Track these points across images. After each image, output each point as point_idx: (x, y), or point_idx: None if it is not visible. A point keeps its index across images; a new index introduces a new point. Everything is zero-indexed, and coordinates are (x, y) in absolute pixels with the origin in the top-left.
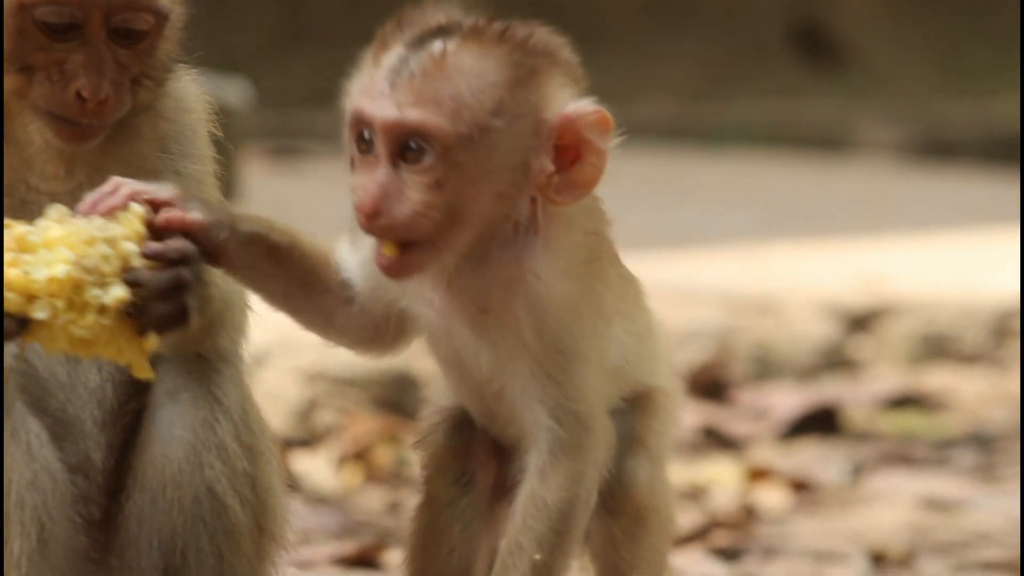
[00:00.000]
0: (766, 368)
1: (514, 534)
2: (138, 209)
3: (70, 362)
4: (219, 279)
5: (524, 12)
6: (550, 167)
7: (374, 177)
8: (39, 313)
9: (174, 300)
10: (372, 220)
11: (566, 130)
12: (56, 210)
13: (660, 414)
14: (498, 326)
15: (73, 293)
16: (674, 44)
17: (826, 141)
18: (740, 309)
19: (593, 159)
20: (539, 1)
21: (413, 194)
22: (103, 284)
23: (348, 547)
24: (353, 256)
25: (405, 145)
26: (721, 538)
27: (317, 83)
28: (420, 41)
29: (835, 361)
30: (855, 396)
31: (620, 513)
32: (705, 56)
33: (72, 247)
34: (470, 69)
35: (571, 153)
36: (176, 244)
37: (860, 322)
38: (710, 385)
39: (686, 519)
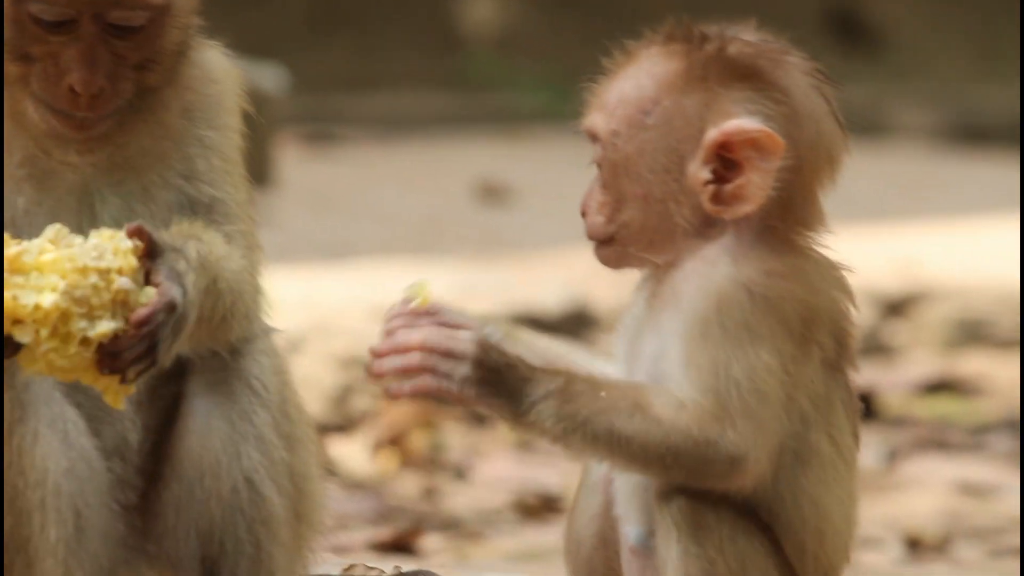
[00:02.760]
0: None
1: None
2: (129, 244)
3: None
4: (227, 270)
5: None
6: (706, 175)
7: (591, 183)
8: (23, 338)
9: (147, 357)
10: (584, 220)
11: (727, 143)
12: (54, 230)
13: None
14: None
15: (59, 323)
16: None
17: (861, 125)
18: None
19: (753, 176)
20: None
21: (596, 194)
22: (90, 316)
23: (384, 533)
24: None
25: (593, 143)
26: None
27: (352, 68)
28: (626, 48)
29: (871, 346)
30: (891, 381)
31: None
32: None
33: (64, 275)
34: (641, 70)
35: (735, 167)
36: (161, 307)
37: (896, 307)
38: None
39: None
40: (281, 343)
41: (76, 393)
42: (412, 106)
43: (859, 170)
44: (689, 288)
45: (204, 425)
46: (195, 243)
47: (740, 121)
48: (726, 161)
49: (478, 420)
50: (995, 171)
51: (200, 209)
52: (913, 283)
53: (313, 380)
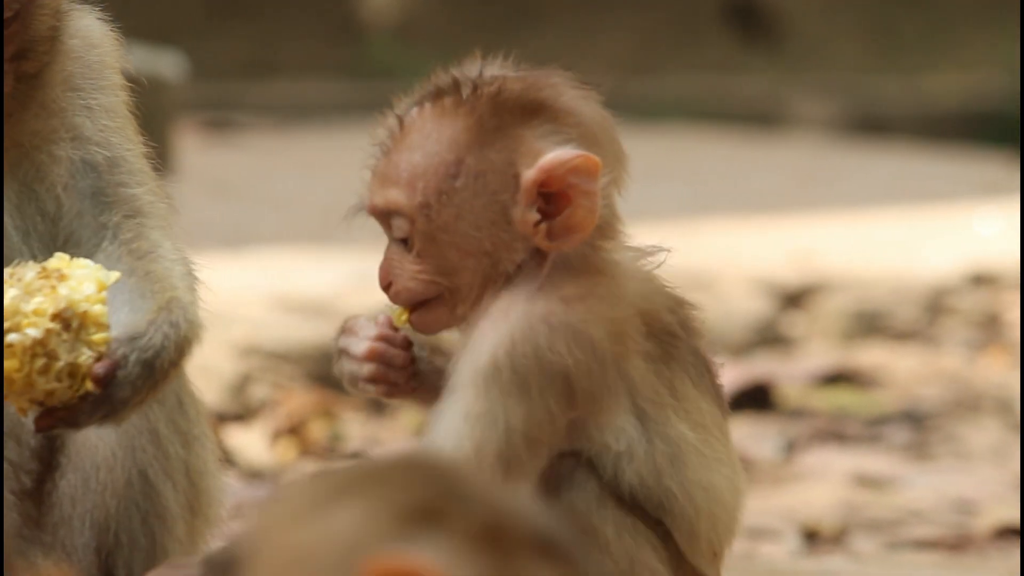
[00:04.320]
0: None
1: None
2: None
3: None
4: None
5: None
6: (534, 216)
7: (386, 253)
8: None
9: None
10: (387, 291)
11: (547, 180)
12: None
13: None
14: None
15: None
16: (609, 16)
17: (759, 116)
18: (673, 285)
19: (582, 201)
20: None
21: (408, 265)
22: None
23: None
24: None
25: (389, 225)
26: None
27: (252, 55)
28: (394, 118)
29: (768, 337)
30: (788, 372)
31: None
32: (638, 29)
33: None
34: (426, 137)
35: (561, 199)
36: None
37: (793, 298)
38: None
39: None
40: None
41: None
42: (312, 93)
43: (756, 162)
44: (484, 338)
45: None
46: (169, 319)
47: (554, 154)
48: (547, 196)
49: (377, 410)
50: (892, 162)
51: (102, 171)
52: (811, 275)
53: (212, 369)
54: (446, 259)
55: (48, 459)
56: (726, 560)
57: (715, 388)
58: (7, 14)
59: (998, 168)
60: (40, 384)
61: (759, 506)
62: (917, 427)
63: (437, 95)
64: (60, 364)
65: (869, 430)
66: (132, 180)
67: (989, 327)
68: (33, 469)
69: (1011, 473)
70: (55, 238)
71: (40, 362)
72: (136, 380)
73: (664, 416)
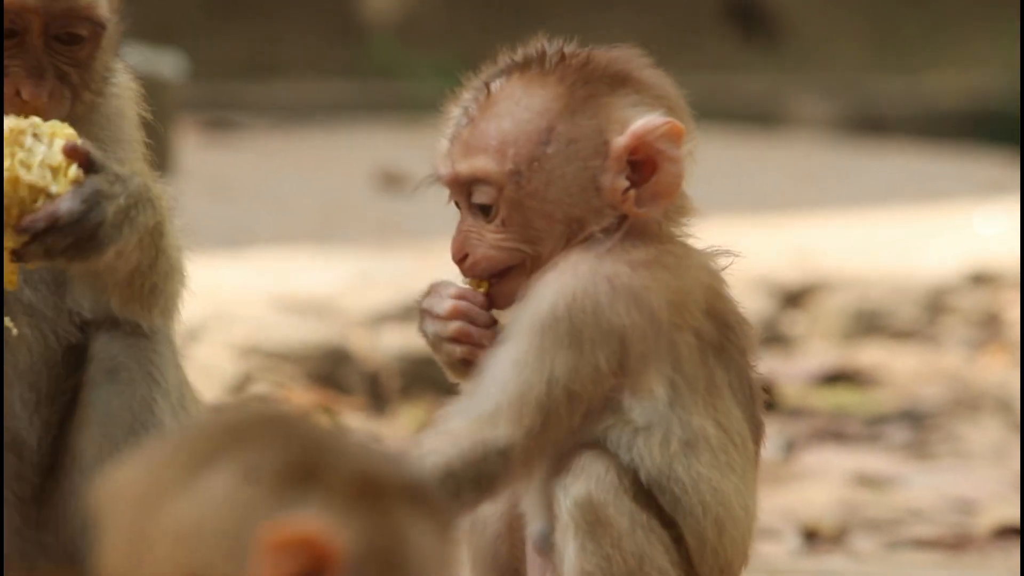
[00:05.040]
0: None
1: None
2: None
3: None
4: (171, 246)
5: None
6: (623, 183)
7: (459, 226)
8: None
9: (85, 233)
10: (461, 264)
11: (637, 146)
12: (8, 128)
13: None
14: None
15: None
16: (606, 16)
17: (759, 115)
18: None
19: (670, 167)
20: None
21: (488, 234)
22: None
23: None
24: None
25: (470, 193)
26: None
27: (252, 55)
28: (486, 82)
29: (768, 336)
30: (788, 372)
31: None
32: (637, 28)
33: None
34: (516, 105)
35: (648, 166)
36: (42, 217)
37: (793, 298)
38: None
39: None
40: (179, 332)
41: None
42: (312, 93)
43: (757, 160)
44: (547, 288)
45: (105, 415)
46: (145, 182)
47: (644, 120)
48: (635, 164)
49: (377, 409)
50: (892, 162)
51: None
52: (811, 274)
53: (213, 369)
54: (532, 226)
55: (50, 465)
56: None
57: (752, 407)
58: (83, 34)
59: (999, 167)
60: (24, 178)
61: (766, 506)
62: (917, 426)
63: (524, 65)
64: (38, 157)
65: (869, 429)
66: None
67: (989, 326)
68: (34, 480)
69: (1011, 472)
70: None
71: (20, 154)
72: (114, 203)
73: (693, 402)
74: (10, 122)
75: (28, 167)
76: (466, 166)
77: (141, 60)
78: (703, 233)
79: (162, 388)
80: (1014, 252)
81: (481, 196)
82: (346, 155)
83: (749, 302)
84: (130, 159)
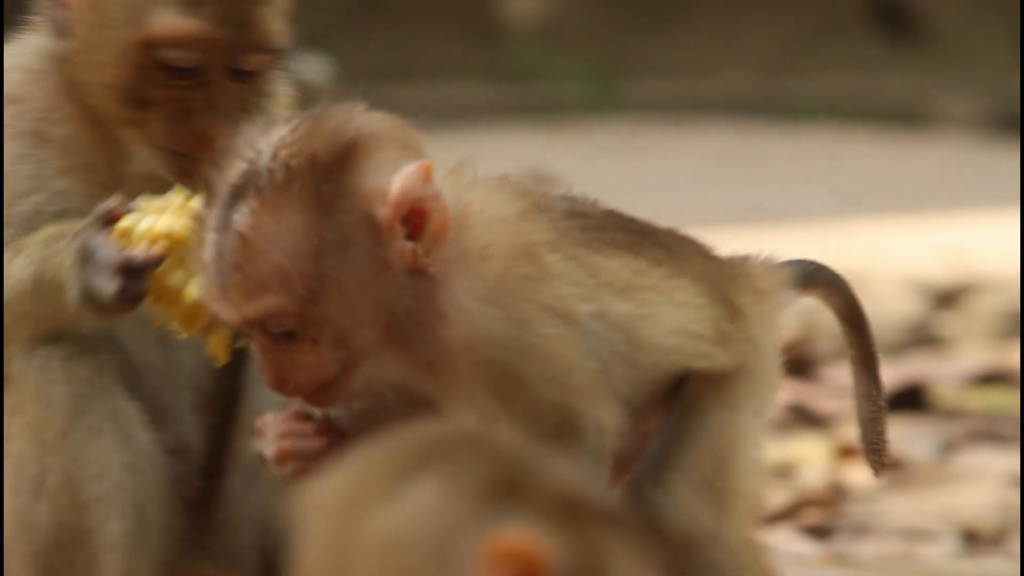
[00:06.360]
0: None
1: None
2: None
3: (164, 347)
4: None
5: None
6: (407, 246)
7: (264, 355)
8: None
9: None
10: (284, 389)
11: (400, 207)
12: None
13: (719, 409)
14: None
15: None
16: (753, 17)
17: (905, 115)
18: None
19: (436, 206)
20: None
21: (301, 356)
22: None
23: None
24: None
25: (265, 326)
26: (811, 516)
27: (396, 58)
28: (224, 222)
29: (921, 338)
30: (942, 373)
31: (661, 539)
32: (784, 30)
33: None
34: (275, 235)
35: (418, 217)
36: None
37: (945, 298)
38: (797, 362)
39: (776, 497)
40: None
41: (134, 397)
42: (456, 96)
43: (903, 161)
44: (465, 336)
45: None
46: None
47: (395, 182)
48: (406, 221)
49: None
50: None
51: None
52: (962, 274)
53: None
54: (343, 333)
55: (212, 470)
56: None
57: (627, 232)
58: (260, 66)
59: None
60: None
61: (916, 507)
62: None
63: (256, 190)
64: None
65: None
66: None
67: None
68: (199, 483)
69: None
70: None
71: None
72: None
73: (604, 302)
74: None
75: None
76: (254, 308)
77: (289, 65)
78: (855, 234)
79: None
80: None
81: (280, 327)
82: (491, 157)
83: (901, 303)
84: None
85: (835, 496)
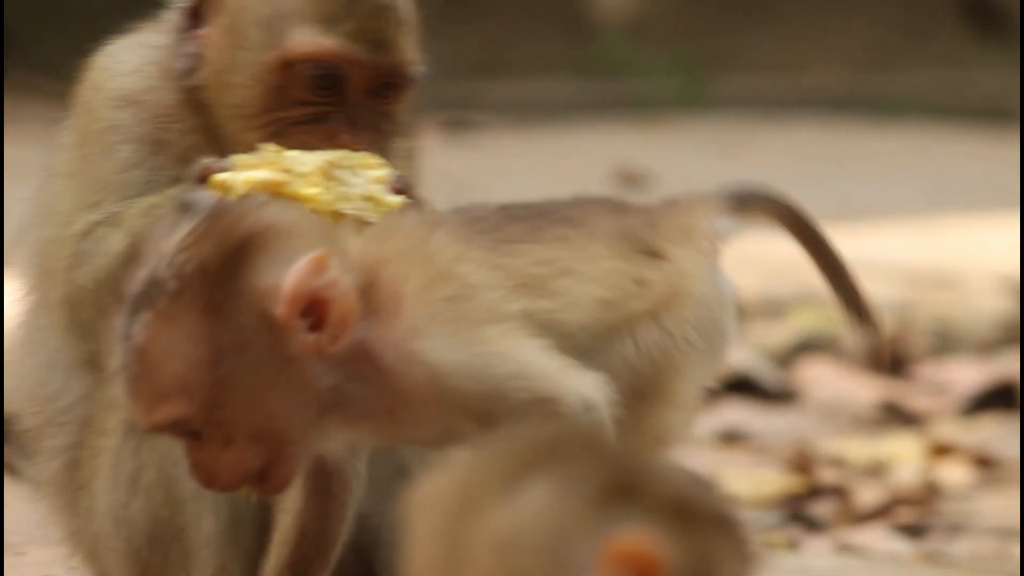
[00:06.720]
0: (945, 342)
1: None
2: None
3: None
4: None
5: None
6: (310, 338)
7: (189, 455)
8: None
9: None
10: (212, 486)
11: (295, 303)
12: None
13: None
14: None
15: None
16: (844, 14)
17: (995, 112)
18: (917, 283)
19: (335, 294)
20: None
21: (220, 455)
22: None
23: None
24: None
25: (176, 430)
26: (905, 515)
27: (487, 54)
28: (126, 333)
29: (1015, 336)
30: None
31: None
32: (875, 26)
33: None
34: (171, 345)
35: (317, 308)
36: None
37: None
38: (890, 360)
39: (869, 495)
40: None
41: None
42: (545, 92)
43: (995, 157)
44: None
45: None
46: None
47: (287, 280)
48: (305, 313)
49: None
50: None
51: None
52: None
53: None
54: (255, 427)
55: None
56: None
57: (524, 221)
58: (400, 82)
59: None
60: (346, 211)
61: (1008, 506)
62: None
63: (149, 301)
64: (356, 189)
65: None
66: None
67: None
68: None
69: None
70: None
71: (337, 187)
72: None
73: (525, 302)
74: (321, 155)
75: (348, 199)
76: (160, 415)
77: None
78: (948, 232)
79: None
80: None
81: (189, 430)
82: (582, 153)
83: (994, 300)
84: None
85: (929, 494)
